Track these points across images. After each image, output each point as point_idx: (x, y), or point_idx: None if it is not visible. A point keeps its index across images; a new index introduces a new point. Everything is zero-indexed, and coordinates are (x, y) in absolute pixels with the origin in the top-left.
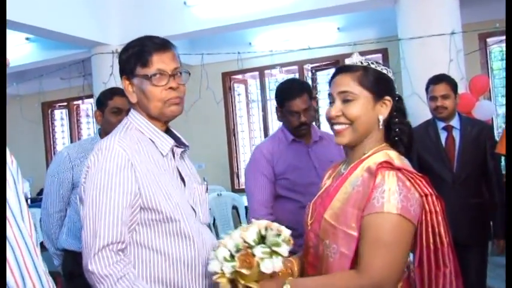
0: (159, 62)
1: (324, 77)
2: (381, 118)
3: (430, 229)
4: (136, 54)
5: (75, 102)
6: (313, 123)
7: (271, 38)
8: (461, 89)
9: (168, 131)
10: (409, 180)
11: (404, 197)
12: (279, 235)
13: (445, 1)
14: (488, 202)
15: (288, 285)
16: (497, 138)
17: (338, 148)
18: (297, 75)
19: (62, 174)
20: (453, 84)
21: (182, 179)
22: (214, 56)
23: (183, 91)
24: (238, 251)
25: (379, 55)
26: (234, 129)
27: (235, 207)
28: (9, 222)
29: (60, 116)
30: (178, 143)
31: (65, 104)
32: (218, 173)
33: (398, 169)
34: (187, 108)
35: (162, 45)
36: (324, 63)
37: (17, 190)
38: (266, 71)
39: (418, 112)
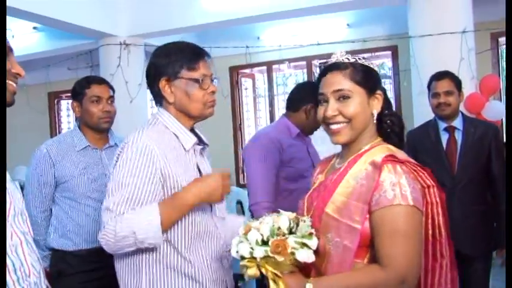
0: (205, 67)
1: None
2: (375, 112)
3: (429, 220)
4: (188, 57)
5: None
6: None
7: (280, 33)
8: (472, 88)
9: (191, 130)
10: (413, 173)
11: (413, 188)
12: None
13: None
14: (493, 209)
15: (311, 284)
16: (505, 141)
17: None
18: (305, 71)
19: (43, 172)
20: (457, 81)
21: (200, 174)
22: (222, 50)
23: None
24: (272, 236)
25: (389, 52)
26: (240, 124)
27: (239, 202)
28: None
29: (66, 106)
30: (199, 141)
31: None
32: (223, 168)
33: (403, 162)
34: None
35: (206, 53)
36: None
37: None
38: (274, 66)
39: (428, 110)
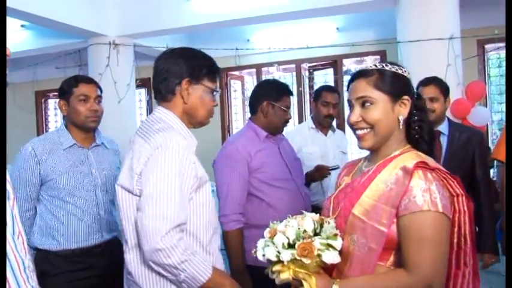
0: (216, 83)
1: (321, 76)
2: (401, 118)
3: (456, 229)
4: (211, 68)
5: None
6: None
7: (270, 36)
8: (458, 94)
9: None
10: (442, 180)
11: (443, 195)
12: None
13: (445, 6)
14: (475, 214)
15: (337, 285)
16: (491, 145)
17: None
18: (294, 74)
19: (28, 171)
20: (443, 87)
21: None
22: (212, 51)
23: None
24: (297, 239)
25: (377, 57)
26: (228, 125)
27: None
28: (8, 242)
29: (54, 105)
30: None
31: None
32: (212, 169)
33: (433, 169)
34: None
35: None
36: (321, 62)
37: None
38: (263, 69)
39: None
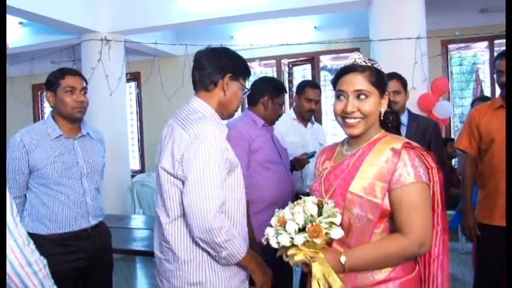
0: (246, 83)
1: (299, 71)
2: (382, 110)
3: (431, 196)
4: (247, 70)
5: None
6: None
7: (252, 33)
8: (424, 89)
9: None
10: (420, 157)
11: (424, 169)
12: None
13: (412, 8)
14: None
15: (344, 256)
16: (453, 136)
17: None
18: (274, 69)
19: (17, 160)
20: (404, 82)
21: None
22: (198, 47)
23: None
24: (306, 223)
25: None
26: None
27: None
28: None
29: None
30: None
31: None
32: None
33: (414, 148)
34: (170, 95)
35: None
36: (300, 59)
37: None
38: None
39: None
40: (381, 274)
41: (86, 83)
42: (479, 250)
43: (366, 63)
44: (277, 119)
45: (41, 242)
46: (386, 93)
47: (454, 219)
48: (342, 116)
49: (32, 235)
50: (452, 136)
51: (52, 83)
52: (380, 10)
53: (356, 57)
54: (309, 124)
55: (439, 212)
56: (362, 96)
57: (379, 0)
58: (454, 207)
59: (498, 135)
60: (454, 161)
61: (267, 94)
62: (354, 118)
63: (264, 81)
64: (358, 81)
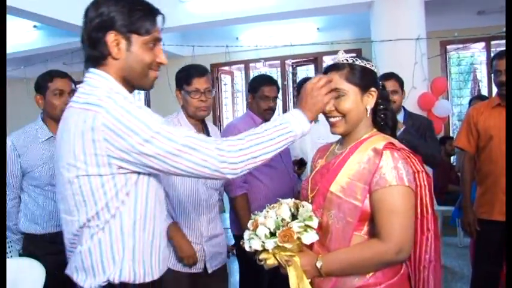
0: None
1: (303, 71)
2: (369, 108)
3: (418, 201)
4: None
5: (76, 86)
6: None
7: (257, 34)
8: (424, 88)
9: None
10: (406, 159)
11: (408, 172)
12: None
13: (412, 9)
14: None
15: (321, 261)
16: (452, 134)
17: None
18: (279, 69)
19: (10, 164)
20: (401, 82)
21: None
22: (204, 48)
23: None
24: (277, 228)
25: (354, 54)
26: (219, 116)
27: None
28: None
29: None
30: None
31: None
32: None
33: (399, 149)
34: (176, 95)
35: None
36: (303, 59)
37: None
38: (251, 64)
39: None
40: (360, 280)
41: (75, 85)
42: (477, 244)
43: (347, 61)
44: (269, 113)
45: (37, 242)
46: (373, 89)
47: (453, 214)
48: (326, 116)
49: (28, 235)
50: (451, 134)
51: (41, 85)
52: (381, 12)
53: (340, 56)
54: None
55: (429, 217)
56: (339, 95)
57: (380, 2)
58: (453, 203)
59: (496, 132)
60: (452, 159)
61: (250, 93)
62: (334, 117)
63: (252, 80)
64: (334, 80)
